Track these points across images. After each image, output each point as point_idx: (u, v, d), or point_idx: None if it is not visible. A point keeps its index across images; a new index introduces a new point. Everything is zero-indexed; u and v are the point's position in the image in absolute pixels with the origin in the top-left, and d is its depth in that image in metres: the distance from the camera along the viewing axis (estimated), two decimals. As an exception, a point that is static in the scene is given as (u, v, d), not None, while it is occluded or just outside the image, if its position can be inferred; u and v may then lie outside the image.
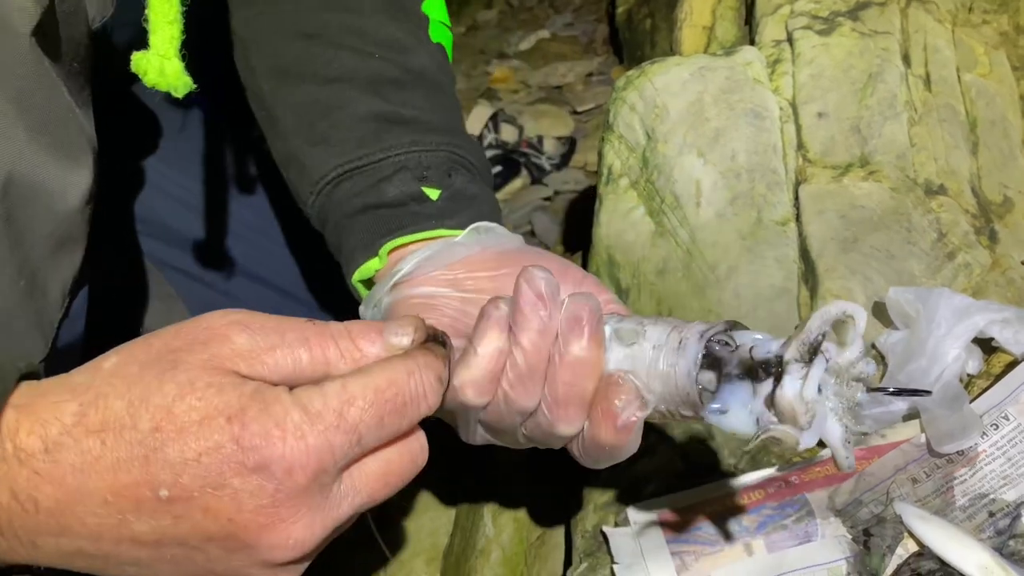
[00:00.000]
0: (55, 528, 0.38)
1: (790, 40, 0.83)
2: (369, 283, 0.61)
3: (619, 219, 0.79)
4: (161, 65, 0.52)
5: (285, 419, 0.37)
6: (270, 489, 0.37)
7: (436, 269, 0.56)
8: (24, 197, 0.48)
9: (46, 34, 0.48)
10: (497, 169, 1.61)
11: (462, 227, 0.58)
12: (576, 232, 1.17)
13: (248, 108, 0.70)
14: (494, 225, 0.59)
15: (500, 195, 1.58)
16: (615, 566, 0.60)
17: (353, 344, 0.41)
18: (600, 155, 0.82)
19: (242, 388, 0.38)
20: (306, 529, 0.38)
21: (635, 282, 0.76)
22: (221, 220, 0.91)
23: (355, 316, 0.97)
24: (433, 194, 0.60)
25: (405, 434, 0.42)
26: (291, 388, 0.39)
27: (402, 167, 0.61)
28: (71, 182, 0.55)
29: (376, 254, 0.59)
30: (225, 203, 0.92)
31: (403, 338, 0.42)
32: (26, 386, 0.39)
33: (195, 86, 0.53)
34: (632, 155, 0.80)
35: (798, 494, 0.60)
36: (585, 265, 0.82)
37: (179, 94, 0.53)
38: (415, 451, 0.42)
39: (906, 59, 0.81)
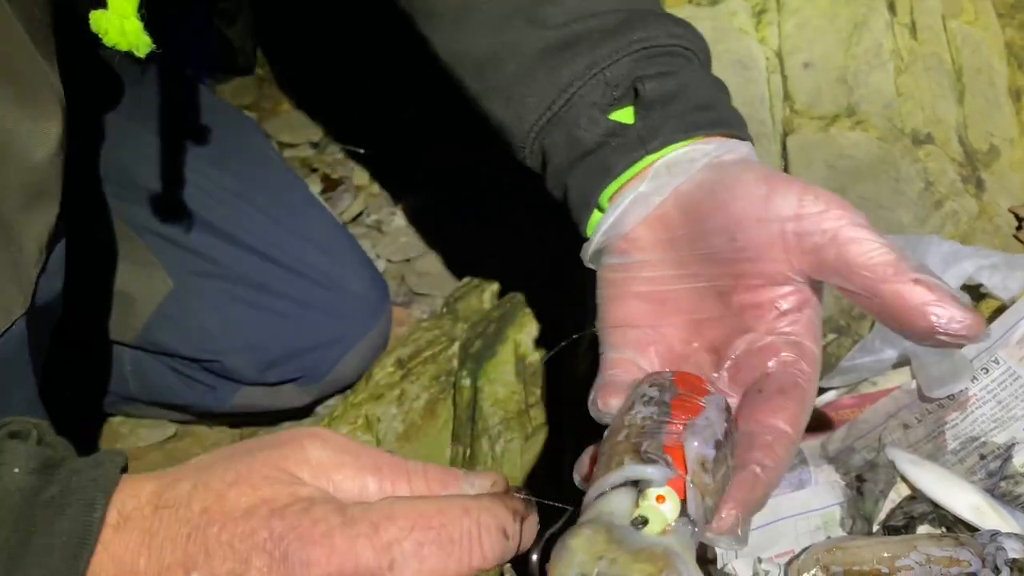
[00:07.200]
0: None
1: (775, -11, 0.83)
2: None
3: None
4: (121, 24, 0.50)
5: (320, 519, 0.37)
6: None
7: (624, 229, 0.50)
8: None
9: None
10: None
11: (669, 142, 0.50)
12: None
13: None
14: (684, 148, 0.50)
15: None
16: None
17: (426, 485, 0.40)
18: (585, 110, 0.81)
19: (297, 489, 0.38)
20: None
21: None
22: (200, 185, 0.89)
23: (347, 285, 0.96)
24: (628, 117, 0.53)
25: None
26: None
27: (588, 103, 0.53)
28: (38, 132, 0.54)
29: (596, 208, 0.53)
30: (205, 169, 0.90)
31: (478, 489, 0.41)
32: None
33: (155, 46, 0.52)
34: (618, 109, 0.79)
35: (791, 443, 0.60)
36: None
37: (140, 54, 0.52)
38: None
39: (891, 7, 0.80)
